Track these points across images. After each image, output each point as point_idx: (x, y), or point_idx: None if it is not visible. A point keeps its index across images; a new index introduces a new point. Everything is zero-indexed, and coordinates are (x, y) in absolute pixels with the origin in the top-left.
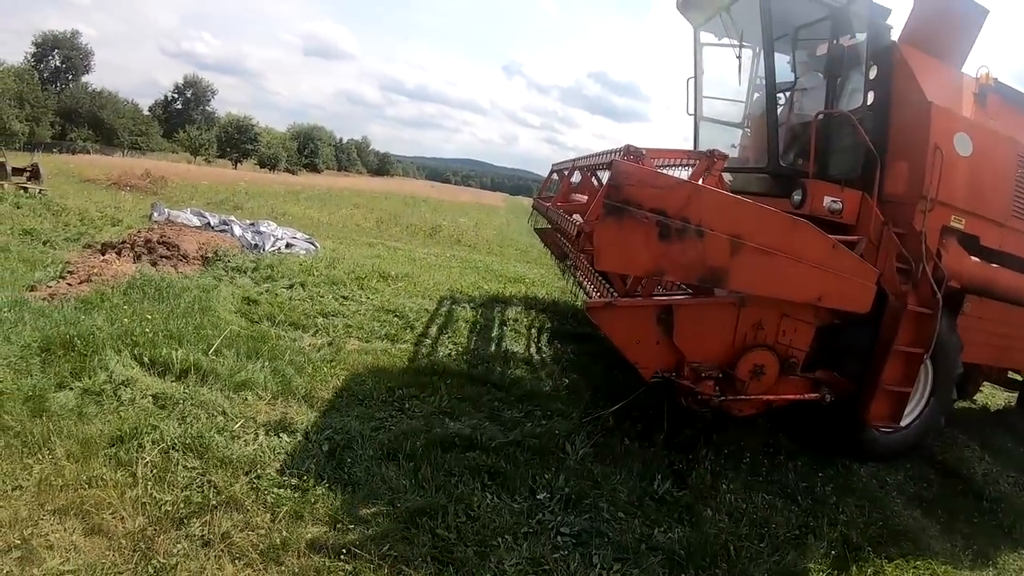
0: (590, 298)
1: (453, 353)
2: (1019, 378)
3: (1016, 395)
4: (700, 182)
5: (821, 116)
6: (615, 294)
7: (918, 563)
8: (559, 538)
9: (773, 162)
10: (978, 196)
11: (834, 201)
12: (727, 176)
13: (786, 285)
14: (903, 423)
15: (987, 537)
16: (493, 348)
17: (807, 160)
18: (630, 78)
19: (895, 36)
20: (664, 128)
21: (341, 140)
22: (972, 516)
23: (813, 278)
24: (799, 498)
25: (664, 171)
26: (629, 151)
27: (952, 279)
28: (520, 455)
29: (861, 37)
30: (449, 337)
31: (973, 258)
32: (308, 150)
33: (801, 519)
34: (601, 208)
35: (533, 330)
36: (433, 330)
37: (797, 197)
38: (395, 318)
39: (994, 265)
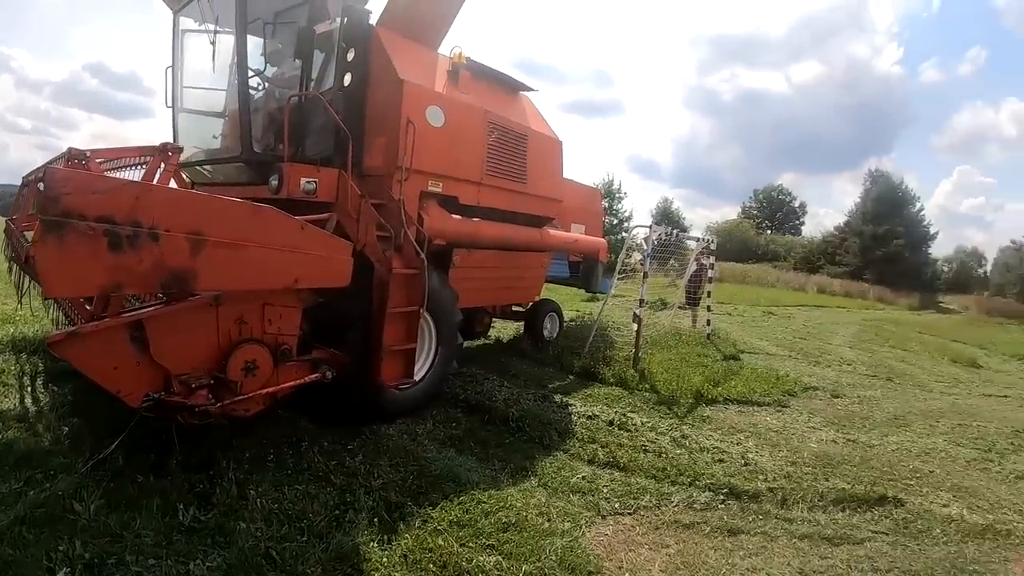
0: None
1: None
2: (521, 308)
3: (523, 323)
4: (155, 180)
5: (294, 99)
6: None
7: (463, 498)
8: None
9: (247, 149)
10: (453, 161)
11: (308, 181)
12: (207, 168)
13: (259, 275)
14: (417, 377)
15: (521, 453)
16: None
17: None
18: (131, 68)
19: (375, 20)
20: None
21: None
22: (503, 439)
23: (286, 262)
24: (332, 478)
25: (117, 173)
26: (72, 155)
27: (437, 238)
28: (28, 533)
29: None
30: None
31: (455, 216)
32: None
33: (338, 498)
34: (39, 226)
35: (25, 378)
36: None
37: (274, 182)
38: None
39: (475, 219)
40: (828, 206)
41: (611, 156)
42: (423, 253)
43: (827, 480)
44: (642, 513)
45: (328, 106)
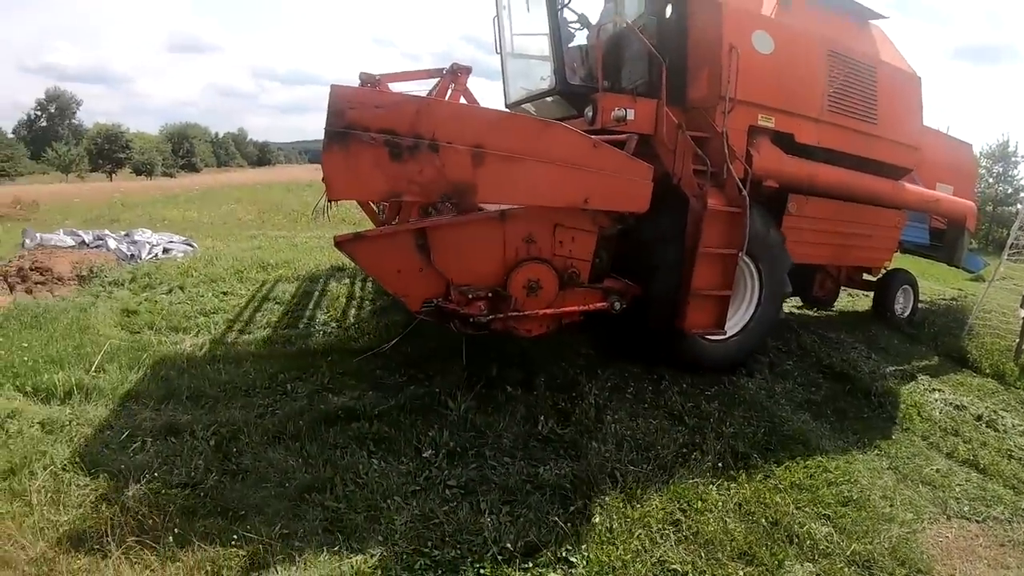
0: None
1: (334, 330)
2: (871, 277)
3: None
4: (446, 98)
5: (608, 30)
6: None
7: (809, 463)
8: (447, 491)
9: (561, 82)
10: (785, 93)
11: (619, 110)
12: (529, 106)
13: (542, 191)
14: (732, 330)
15: (877, 431)
16: (375, 321)
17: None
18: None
19: None
20: None
21: (218, 135)
22: (862, 413)
23: (573, 180)
24: (685, 418)
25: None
26: (364, 79)
27: (767, 178)
28: (403, 418)
29: None
30: (329, 315)
31: (790, 156)
32: (184, 150)
33: (688, 437)
34: (325, 136)
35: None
36: (315, 312)
37: (589, 113)
38: (276, 305)
39: (814, 162)
40: None
41: (1006, 111)
42: (745, 191)
43: None
44: (991, 524)
45: (638, 33)
